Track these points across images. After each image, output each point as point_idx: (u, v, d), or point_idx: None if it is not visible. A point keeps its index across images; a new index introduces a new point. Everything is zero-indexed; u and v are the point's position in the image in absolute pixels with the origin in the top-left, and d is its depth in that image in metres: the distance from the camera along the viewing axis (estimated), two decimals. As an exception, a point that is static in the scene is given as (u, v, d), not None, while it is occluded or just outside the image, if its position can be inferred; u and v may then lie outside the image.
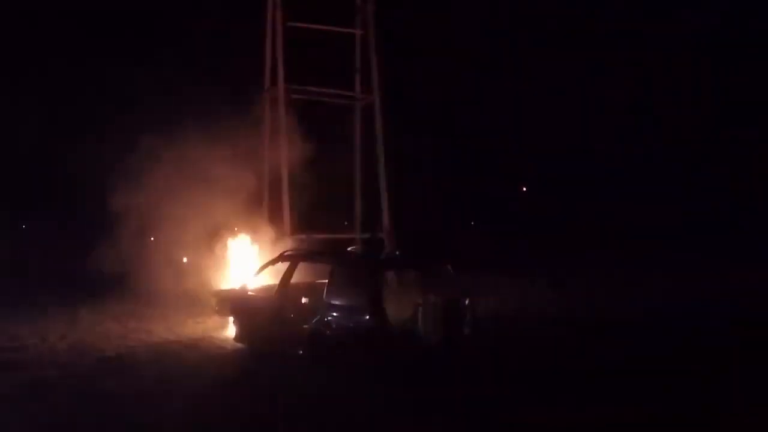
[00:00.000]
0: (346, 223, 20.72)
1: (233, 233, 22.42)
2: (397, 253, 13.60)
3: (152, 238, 30.13)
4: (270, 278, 14.82)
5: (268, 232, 19.85)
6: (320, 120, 20.91)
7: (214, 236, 22.19)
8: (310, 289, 14.12)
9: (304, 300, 13.83)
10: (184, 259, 26.10)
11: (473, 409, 10.11)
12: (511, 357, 13.11)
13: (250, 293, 14.71)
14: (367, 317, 11.81)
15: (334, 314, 12.37)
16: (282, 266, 14.17)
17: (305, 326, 12.88)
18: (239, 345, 14.60)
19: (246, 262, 18.64)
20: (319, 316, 12.57)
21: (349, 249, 14.40)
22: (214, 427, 9.61)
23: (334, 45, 21.41)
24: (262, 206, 20.49)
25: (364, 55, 21.64)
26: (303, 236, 19.33)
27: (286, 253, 14.63)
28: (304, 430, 9.54)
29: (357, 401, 10.60)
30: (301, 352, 12.79)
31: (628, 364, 12.44)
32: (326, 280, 12.86)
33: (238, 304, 14.89)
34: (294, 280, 13.87)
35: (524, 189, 34.74)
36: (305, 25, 20.42)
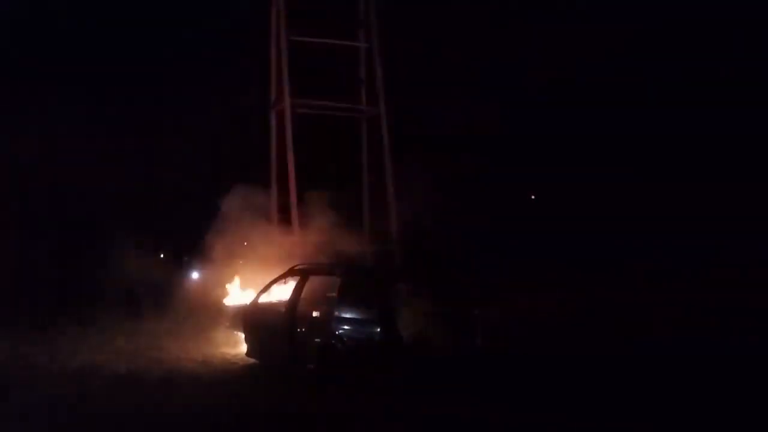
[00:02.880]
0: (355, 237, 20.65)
1: (243, 248, 22.42)
2: (407, 264, 13.59)
3: (161, 255, 30.23)
4: (280, 293, 14.84)
5: (277, 245, 19.82)
6: (327, 133, 20.89)
7: (224, 251, 22.18)
8: (320, 302, 14.14)
9: (314, 314, 13.84)
10: (194, 275, 26.18)
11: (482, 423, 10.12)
12: (520, 368, 13.08)
13: (260, 308, 14.73)
14: (378, 330, 11.81)
15: (345, 327, 12.38)
16: (292, 280, 14.21)
17: (316, 340, 12.89)
18: (251, 360, 14.61)
19: (256, 277, 18.60)
20: (329, 330, 12.57)
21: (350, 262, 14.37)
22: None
23: (339, 58, 21.41)
24: (270, 221, 20.43)
25: (369, 67, 21.64)
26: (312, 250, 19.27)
27: (295, 267, 14.63)
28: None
29: (366, 417, 10.59)
30: (312, 366, 12.79)
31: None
32: (336, 294, 12.88)
33: (249, 320, 14.91)
34: (304, 293, 13.90)
35: (533, 197, 34.55)
36: (310, 39, 20.44)
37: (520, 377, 12.40)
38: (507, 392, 11.43)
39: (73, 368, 14.60)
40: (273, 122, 21.07)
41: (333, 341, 12.45)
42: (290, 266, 14.87)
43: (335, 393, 11.68)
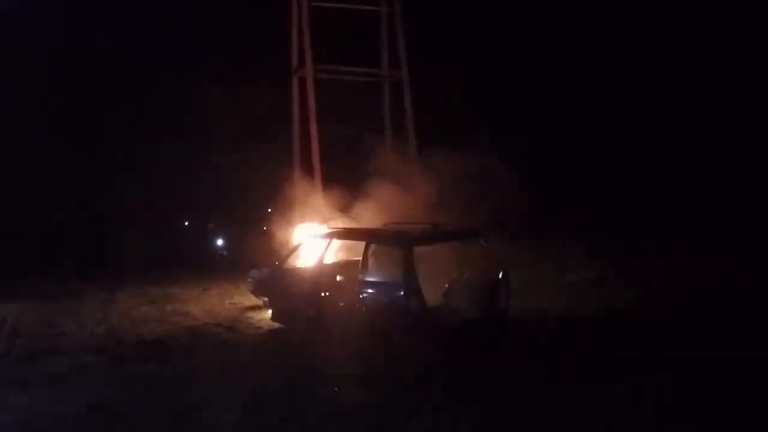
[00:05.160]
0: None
1: (267, 214, 22.47)
2: (431, 227, 13.51)
3: (186, 223, 30.40)
4: (305, 257, 14.86)
5: (299, 211, 19.86)
6: (349, 98, 20.81)
7: (248, 218, 22.27)
8: (345, 267, 14.15)
9: (338, 278, 13.85)
10: (219, 241, 26.39)
11: (508, 384, 10.11)
12: (546, 332, 13.02)
13: (285, 273, 14.76)
14: (402, 293, 11.79)
15: (369, 291, 12.36)
16: (316, 245, 14.21)
17: (341, 304, 12.91)
18: (276, 325, 14.67)
19: (281, 242, 18.66)
20: (354, 294, 12.57)
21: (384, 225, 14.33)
22: (254, 407, 9.64)
23: (361, 23, 21.28)
24: (293, 186, 20.45)
25: (391, 31, 21.51)
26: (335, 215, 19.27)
27: (320, 232, 14.63)
28: (339, 409, 9.52)
29: (391, 379, 10.63)
30: (336, 330, 12.82)
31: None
32: (360, 258, 12.85)
33: (273, 284, 14.94)
34: (328, 258, 13.93)
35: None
36: (330, 4, 20.35)
37: (545, 341, 12.35)
38: (529, 355, 11.39)
39: (101, 335, 14.76)
40: (295, 88, 21.02)
41: (357, 305, 12.46)
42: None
43: (360, 356, 11.66)
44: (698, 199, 26.02)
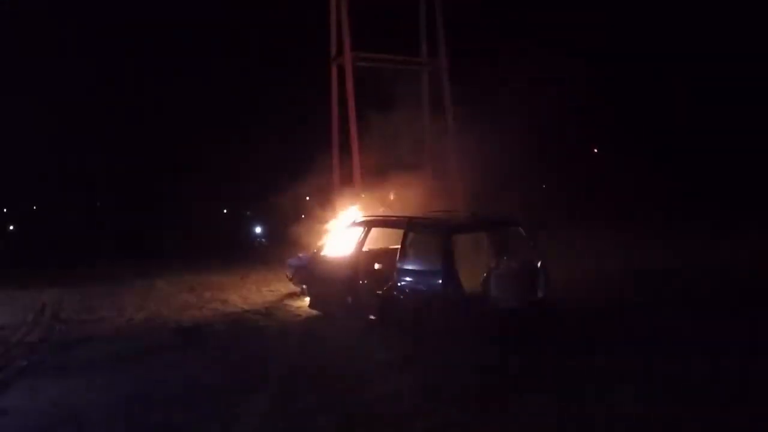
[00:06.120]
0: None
1: (306, 202, 22.49)
2: (470, 216, 13.43)
3: (225, 211, 30.57)
4: (343, 245, 14.82)
5: (339, 199, 19.81)
6: (388, 86, 20.67)
7: (287, 206, 22.28)
8: (382, 255, 14.09)
9: (376, 266, 13.79)
10: (257, 229, 26.46)
11: (547, 375, 9.97)
12: (584, 322, 12.82)
13: (323, 261, 14.75)
14: (440, 282, 11.70)
15: (407, 279, 12.29)
16: (355, 233, 14.16)
17: (378, 292, 12.86)
18: (314, 312, 14.66)
19: (320, 230, 18.64)
20: (391, 282, 12.51)
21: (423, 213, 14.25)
22: (289, 396, 9.58)
23: (400, 10, 21.14)
24: (332, 174, 20.43)
25: (430, 19, 21.36)
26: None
27: (358, 220, 14.58)
28: (377, 394, 9.43)
29: (429, 368, 10.53)
30: (373, 317, 12.78)
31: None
32: (398, 246, 12.77)
33: (311, 272, 14.95)
34: (367, 246, 13.87)
35: (595, 150, 34.19)
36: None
37: (582, 331, 12.17)
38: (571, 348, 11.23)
39: (140, 321, 14.83)
40: (333, 76, 20.93)
41: (395, 293, 12.40)
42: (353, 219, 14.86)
43: (397, 344, 11.59)
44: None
